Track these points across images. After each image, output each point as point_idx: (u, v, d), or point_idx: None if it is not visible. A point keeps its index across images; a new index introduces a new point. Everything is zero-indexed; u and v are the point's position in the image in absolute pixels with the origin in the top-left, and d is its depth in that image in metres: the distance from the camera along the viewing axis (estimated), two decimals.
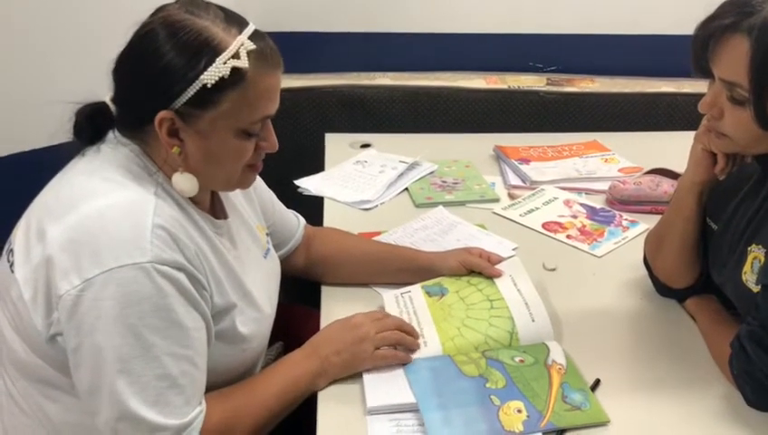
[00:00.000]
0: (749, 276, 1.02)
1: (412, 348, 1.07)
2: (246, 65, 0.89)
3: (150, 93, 0.90)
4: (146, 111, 0.90)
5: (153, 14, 0.92)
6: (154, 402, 0.87)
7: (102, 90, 0.98)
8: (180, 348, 0.89)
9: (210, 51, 0.88)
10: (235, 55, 0.88)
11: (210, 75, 0.87)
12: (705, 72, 0.98)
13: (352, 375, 1.05)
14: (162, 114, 0.89)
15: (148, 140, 0.94)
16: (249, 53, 0.89)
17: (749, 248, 1.03)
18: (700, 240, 1.17)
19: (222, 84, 0.88)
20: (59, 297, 0.86)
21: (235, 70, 0.88)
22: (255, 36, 0.91)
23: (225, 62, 0.88)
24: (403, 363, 1.05)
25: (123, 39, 0.93)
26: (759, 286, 0.97)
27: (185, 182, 0.94)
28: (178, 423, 0.88)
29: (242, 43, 0.89)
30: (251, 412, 0.97)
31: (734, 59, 0.92)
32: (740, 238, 1.06)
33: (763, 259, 0.98)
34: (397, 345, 1.07)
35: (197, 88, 0.88)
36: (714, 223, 1.15)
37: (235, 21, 0.92)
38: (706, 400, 1.03)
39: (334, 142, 1.89)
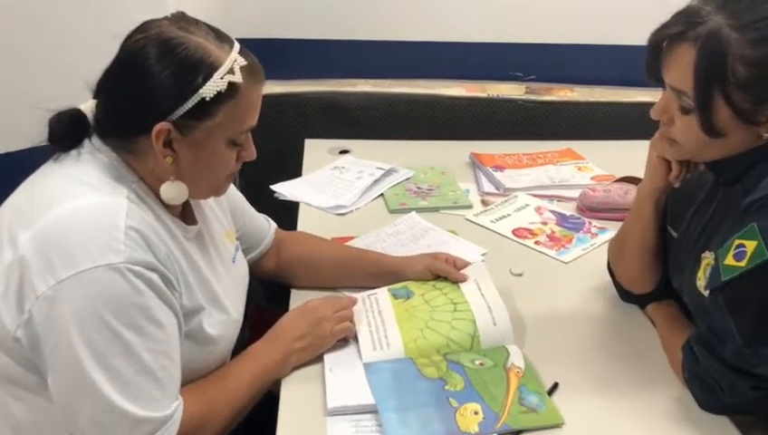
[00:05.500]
0: (702, 282, 1.04)
1: None
2: (240, 80, 0.95)
3: (147, 106, 0.93)
4: (140, 123, 0.94)
5: (143, 30, 0.95)
6: (136, 397, 0.90)
7: (78, 96, 1.01)
8: (157, 344, 0.92)
9: (207, 66, 0.93)
10: (230, 70, 0.94)
11: (209, 89, 0.93)
12: (657, 80, 1.02)
13: (314, 376, 1.08)
14: (160, 126, 0.93)
15: (133, 150, 0.98)
16: (242, 68, 0.95)
17: (702, 255, 1.05)
18: (660, 246, 1.19)
19: (218, 97, 0.93)
20: (36, 297, 0.88)
21: (230, 84, 0.94)
22: (243, 52, 0.97)
23: (222, 77, 0.93)
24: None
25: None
26: (707, 291, 0.99)
27: (175, 190, 0.98)
28: (161, 416, 0.91)
29: (235, 59, 0.95)
30: (225, 403, 1.02)
31: (681, 68, 0.95)
32: (695, 245, 1.09)
33: (713, 265, 1.01)
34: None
35: (196, 101, 0.92)
36: (674, 230, 1.18)
37: (225, 38, 0.98)
38: (660, 402, 1.05)
39: (313, 148, 1.92)
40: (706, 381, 0.98)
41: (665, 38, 0.97)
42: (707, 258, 1.03)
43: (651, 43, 0.99)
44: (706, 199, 1.10)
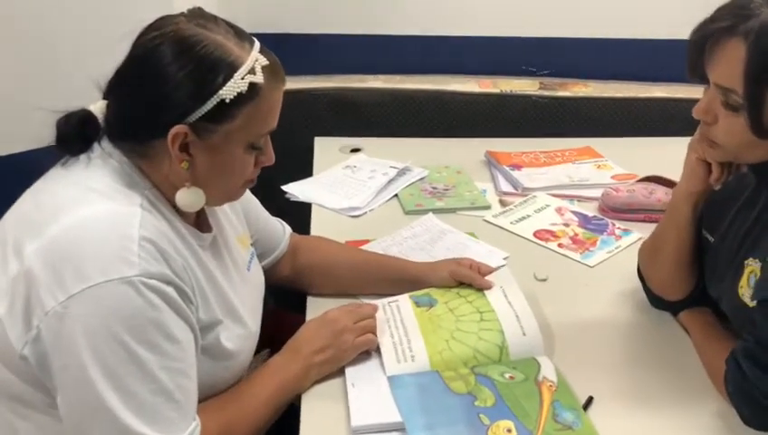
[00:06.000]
0: (745, 291, 0.99)
1: None
2: (262, 80, 0.89)
3: (163, 108, 0.88)
4: (155, 125, 0.88)
5: (158, 27, 0.89)
6: (151, 419, 0.84)
7: (87, 95, 0.96)
8: (174, 362, 0.86)
9: (227, 66, 0.87)
10: (251, 70, 0.89)
11: (229, 90, 0.87)
12: (700, 77, 0.96)
13: (336, 390, 1.03)
14: (177, 129, 0.87)
15: (147, 154, 0.92)
16: (263, 68, 0.90)
17: (746, 262, 1.00)
18: (695, 252, 1.14)
19: (238, 99, 0.88)
20: (44, 313, 0.83)
21: (251, 85, 0.88)
22: (264, 51, 0.92)
23: (242, 78, 0.88)
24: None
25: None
26: (755, 302, 0.94)
27: (191, 197, 0.93)
28: None
29: (256, 58, 0.89)
30: (243, 422, 0.98)
31: (729, 64, 0.89)
32: (737, 251, 1.03)
33: (759, 273, 0.95)
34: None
35: (215, 103, 0.87)
36: (710, 235, 1.12)
37: (245, 36, 0.92)
38: (701, 417, 1.00)
39: (324, 146, 1.86)
40: (754, 397, 0.93)
41: (711, 33, 0.91)
42: (751, 266, 0.98)
43: (695, 39, 0.93)
44: (748, 203, 1.04)
